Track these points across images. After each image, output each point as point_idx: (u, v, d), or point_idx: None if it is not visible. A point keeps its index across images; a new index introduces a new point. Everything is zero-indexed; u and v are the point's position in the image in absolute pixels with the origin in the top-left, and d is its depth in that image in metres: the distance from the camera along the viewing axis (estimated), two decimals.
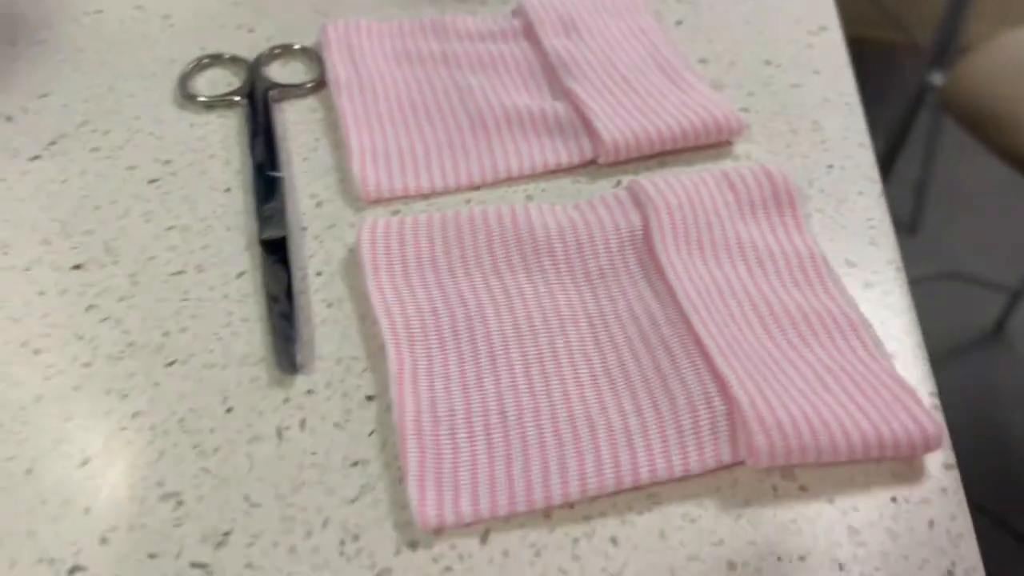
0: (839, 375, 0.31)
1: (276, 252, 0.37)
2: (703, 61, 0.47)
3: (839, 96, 0.45)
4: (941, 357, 1.19)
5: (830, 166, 0.41)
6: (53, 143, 0.42)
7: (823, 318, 0.34)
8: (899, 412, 0.30)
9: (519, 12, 0.49)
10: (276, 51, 0.47)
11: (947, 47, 1.06)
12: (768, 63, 0.47)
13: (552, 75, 0.45)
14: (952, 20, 1.06)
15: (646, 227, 0.36)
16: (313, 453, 0.30)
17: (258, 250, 0.37)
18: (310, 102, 0.44)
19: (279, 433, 0.31)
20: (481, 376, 0.32)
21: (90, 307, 0.35)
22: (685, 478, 0.30)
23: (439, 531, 0.29)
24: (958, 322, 1.23)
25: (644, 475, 0.29)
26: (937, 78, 1.05)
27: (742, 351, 0.32)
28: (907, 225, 1.38)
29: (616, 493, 0.29)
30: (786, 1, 0.52)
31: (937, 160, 1.40)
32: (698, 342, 0.32)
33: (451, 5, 0.51)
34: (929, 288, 1.27)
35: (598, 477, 0.29)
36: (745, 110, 0.44)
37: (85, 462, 0.30)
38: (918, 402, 0.30)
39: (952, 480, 0.30)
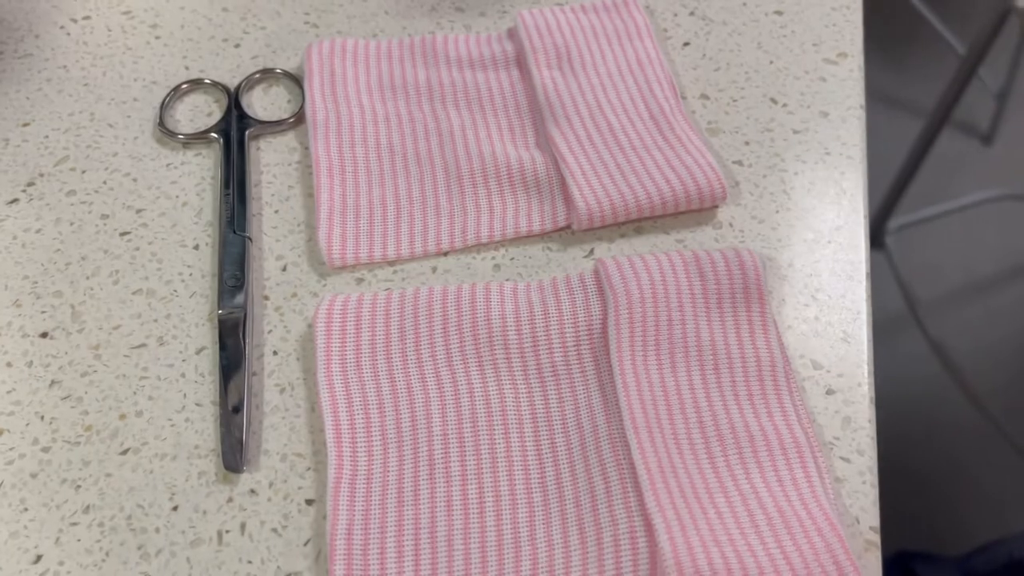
0: (772, 515, 0.31)
1: (232, 333, 0.37)
2: (704, 97, 0.45)
3: (843, 148, 0.43)
4: (1003, 278, 1.16)
5: (815, 240, 0.39)
6: (31, 184, 0.42)
7: (770, 441, 0.33)
8: (826, 563, 0.30)
9: (513, 35, 0.47)
10: (257, 76, 0.45)
11: None
12: (774, 101, 0.44)
13: (538, 115, 0.43)
14: None
15: (604, 321, 0.36)
16: (249, 562, 0.32)
17: (217, 325, 0.37)
18: (288, 139, 0.43)
19: (220, 536, 0.32)
20: (418, 488, 0.32)
21: (53, 383, 0.36)
22: None
23: None
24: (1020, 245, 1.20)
25: None
26: None
27: (676, 482, 0.32)
28: (983, 136, 1.31)
29: None
30: (807, 20, 0.48)
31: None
32: (634, 470, 0.32)
33: (447, 15, 0.49)
34: (995, 208, 1.23)
35: None
36: (738, 163, 0.42)
37: (37, 559, 0.32)
38: (846, 552, 0.30)
39: None
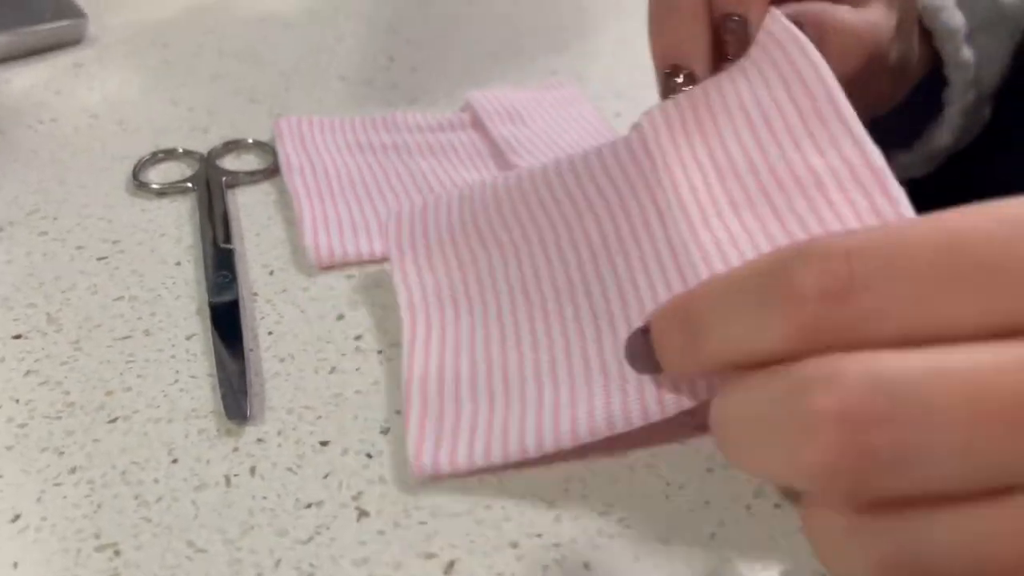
0: None
1: (227, 316, 0.36)
2: None
3: None
4: None
5: None
6: (0, 229, 0.41)
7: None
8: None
9: (467, 107, 0.51)
10: (229, 145, 0.48)
11: None
12: None
13: (501, 159, 0.47)
14: None
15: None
16: (264, 497, 0.29)
17: (208, 314, 0.36)
18: (264, 187, 0.45)
19: (227, 480, 0.29)
20: (489, 336, 0.33)
21: (29, 372, 0.33)
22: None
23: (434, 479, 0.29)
24: None
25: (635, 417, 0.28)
26: None
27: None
28: None
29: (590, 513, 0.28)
30: None
31: None
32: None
33: (400, 106, 0.53)
34: None
35: (589, 421, 0.28)
36: None
37: (15, 518, 0.28)
38: None
39: None
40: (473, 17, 0.64)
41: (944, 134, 0.43)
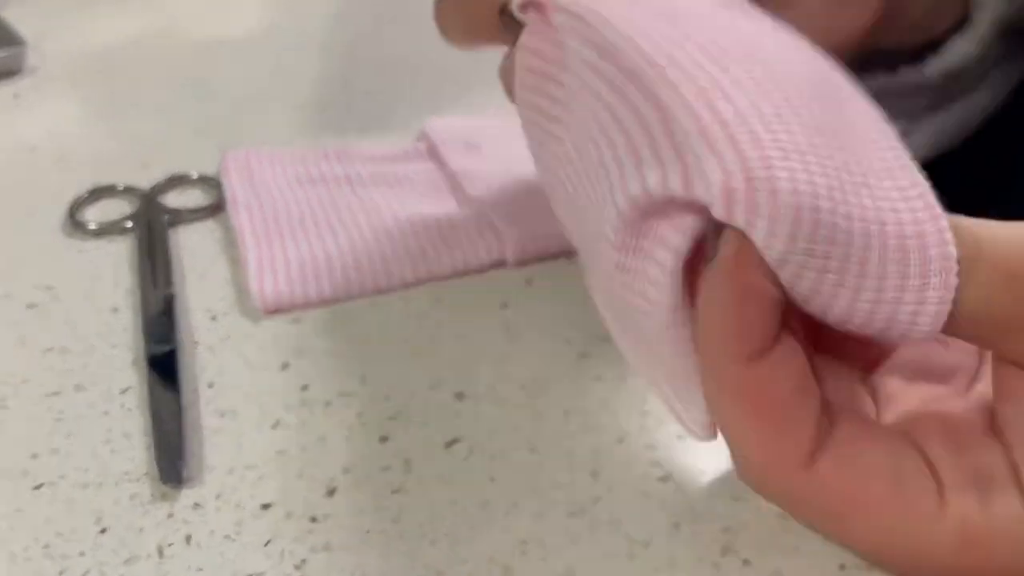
0: None
1: (165, 367, 0.34)
2: None
3: None
4: None
5: None
6: None
7: None
8: None
9: (423, 137, 0.50)
10: (173, 180, 0.46)
11: None
12: None
13: (459, 192, 0.45)
14: None
15: None
16: (200, 569, 0.27)
17: (145, 365, 0.34)
18: (208, 224, 0.43)
19: (160, 551, 0.27)
20: None
21: None
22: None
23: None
24: None
25: None
26: None
27: None
28: None
29: None
30: None
31: None
32: None
33: (355, 137, 0.51)
34: None
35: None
36: None
37: None
38: None
39: None
40: (434, 41, 0.63)
41: (969, 44, 0.37)
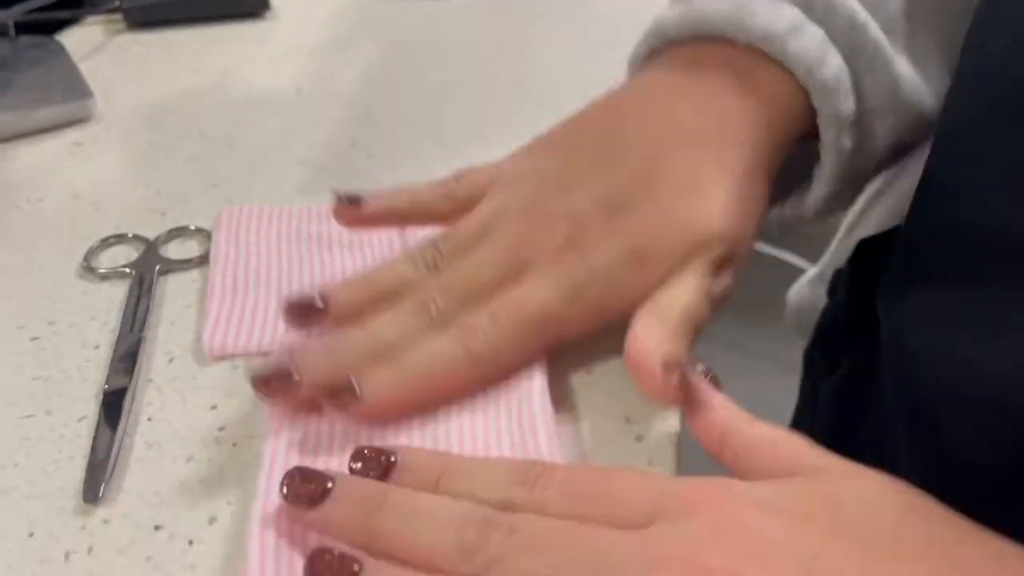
0: None
1: (114, 401, 0.41)
2: None
3: None
4: None
5: None
6: None
7: None
8: None
9: None
10: (174, 232, 0.53)
11: None
12: None
13: None
14: None
15: None
16: (91, 574, 0.34)
17: (102, 396, 0.42)
18: (192, 274, 0.50)
19: (66, 556, 0.35)
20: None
21: None
22: None
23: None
24: None
25: None
26: None
27: None
28: None
29: None
30: None
31: None
32: None
33: None
34: None
35: None
36: None
37: None
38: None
39: None
40: (446, 105, 0.69)
41: (808, 204, 0.45)
